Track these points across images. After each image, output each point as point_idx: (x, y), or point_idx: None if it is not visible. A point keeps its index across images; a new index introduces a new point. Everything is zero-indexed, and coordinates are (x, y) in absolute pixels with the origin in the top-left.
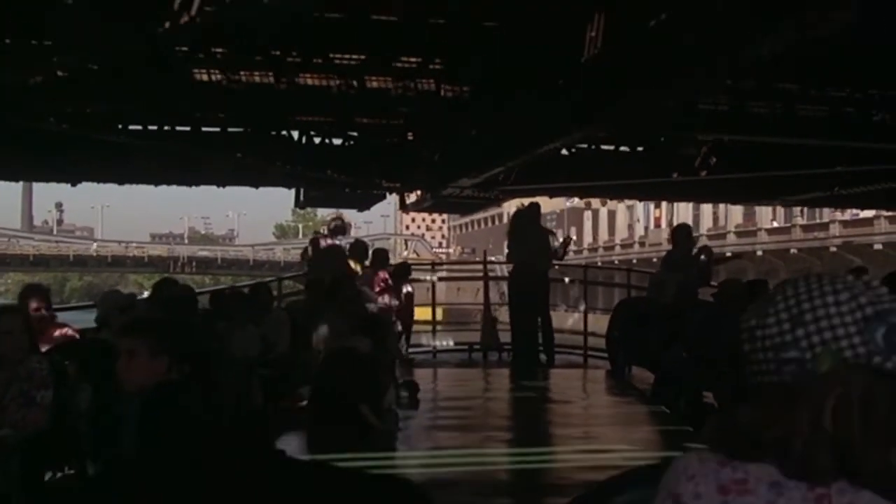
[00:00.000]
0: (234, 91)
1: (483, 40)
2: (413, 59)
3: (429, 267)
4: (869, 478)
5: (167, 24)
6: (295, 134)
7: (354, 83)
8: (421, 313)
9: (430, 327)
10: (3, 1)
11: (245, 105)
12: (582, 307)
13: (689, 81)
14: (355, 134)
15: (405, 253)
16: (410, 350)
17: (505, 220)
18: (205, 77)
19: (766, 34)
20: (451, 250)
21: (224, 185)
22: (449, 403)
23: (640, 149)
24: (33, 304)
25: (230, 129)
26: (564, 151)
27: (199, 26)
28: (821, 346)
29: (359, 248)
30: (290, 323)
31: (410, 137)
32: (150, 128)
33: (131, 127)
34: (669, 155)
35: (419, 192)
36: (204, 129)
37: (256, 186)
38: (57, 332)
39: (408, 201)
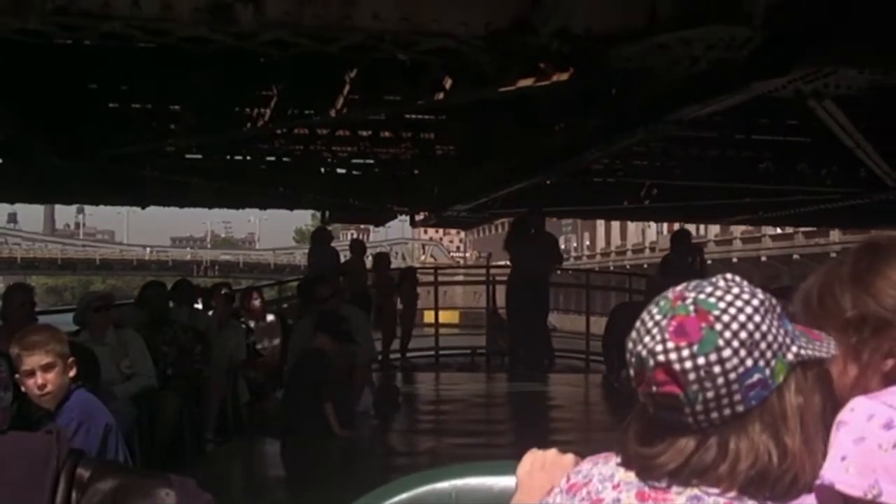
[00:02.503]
0: (278, 144)
1: (462, 115)
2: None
3: (432, 271)
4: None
5: (248, 126)
6: (322, 168)
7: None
8: (444, 316)
9: (452, 330)
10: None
11: (285, 147)
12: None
13: (588, 156)
14: (370, 163)
15: (422, 257)
16: (409, 354)
17: None
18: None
19: (612, 141)
20: (467, 255)
21: (265, 209)
22: (431, 408)
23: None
24: (19, 300)
25: (273, 164)
26: None
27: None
28: (773, 360)
29: (356, 246)
30: (280, 326)
31: (416, 172)
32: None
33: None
34: (625, 184)
35: (425, 213)
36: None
37: (291, 209)
38: None
39: (416, 219)
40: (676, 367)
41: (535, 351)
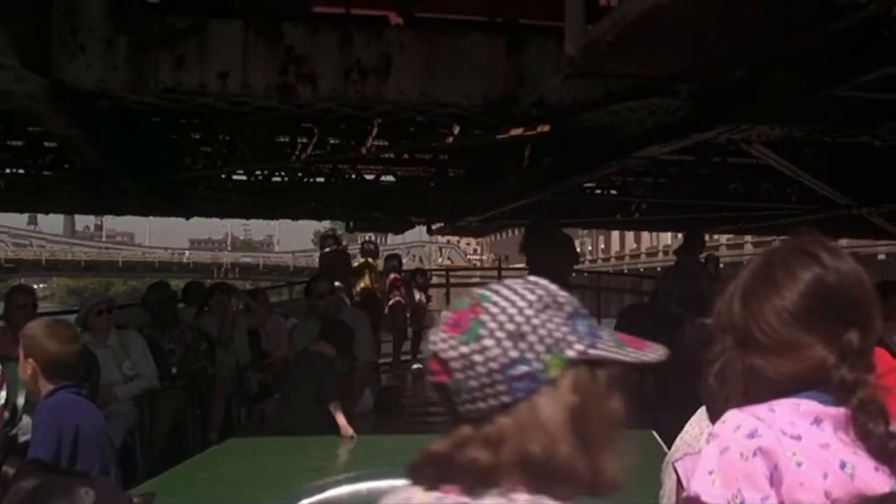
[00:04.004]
0: (313, 167)
1: (470, 147)
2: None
3: (443, 273)
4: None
5: (293, 157)
6: (349, 185)
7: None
8: None
9: None
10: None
11: (318, 168)
12: None
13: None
14: (392, 180)
15: (439, 260)
16: (421, 355)
17: None
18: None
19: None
20: (484, 257)
21: (297, 220)
22: (434, 408)
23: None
24: (20, 301)
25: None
26: None
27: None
28: (547, 354)
29: (367, 248)
30: (287, 328)
31: (432, 189)
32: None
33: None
34: (618, 199)
35: (440, 223)
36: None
37: (320, 220)
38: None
39: (432, 228)
40: (444, 356)
41: None
